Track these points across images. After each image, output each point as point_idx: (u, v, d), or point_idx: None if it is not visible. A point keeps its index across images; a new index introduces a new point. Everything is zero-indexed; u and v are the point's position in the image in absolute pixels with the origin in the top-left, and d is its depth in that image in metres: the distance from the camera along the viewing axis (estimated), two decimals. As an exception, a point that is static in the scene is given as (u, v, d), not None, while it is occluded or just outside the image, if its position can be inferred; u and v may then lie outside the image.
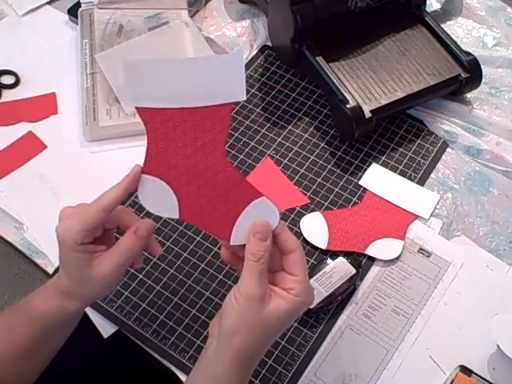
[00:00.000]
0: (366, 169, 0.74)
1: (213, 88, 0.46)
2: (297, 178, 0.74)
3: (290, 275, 0.47)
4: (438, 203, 0.72)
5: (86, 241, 0.48)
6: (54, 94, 0.81)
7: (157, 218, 0.70)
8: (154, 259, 0.67)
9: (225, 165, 0.47)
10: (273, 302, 0.45)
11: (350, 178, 0.74)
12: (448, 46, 0.77)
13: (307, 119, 0.79)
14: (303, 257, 0.48)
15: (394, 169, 0.74)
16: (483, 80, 0.77)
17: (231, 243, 0.49)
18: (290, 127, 0.78)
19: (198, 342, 0.62)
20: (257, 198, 0.47)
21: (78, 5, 0.86)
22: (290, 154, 0.76)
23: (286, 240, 0.47)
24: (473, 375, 0.58)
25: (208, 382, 0.47)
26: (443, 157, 0.76)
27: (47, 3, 0.90)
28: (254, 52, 0.85)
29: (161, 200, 0.48)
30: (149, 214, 0.70)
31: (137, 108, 0.46)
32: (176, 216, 0.49)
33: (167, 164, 0.47)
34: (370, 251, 0.67)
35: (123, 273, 0.51)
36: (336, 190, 0.73)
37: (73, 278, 0.49)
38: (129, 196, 0.71)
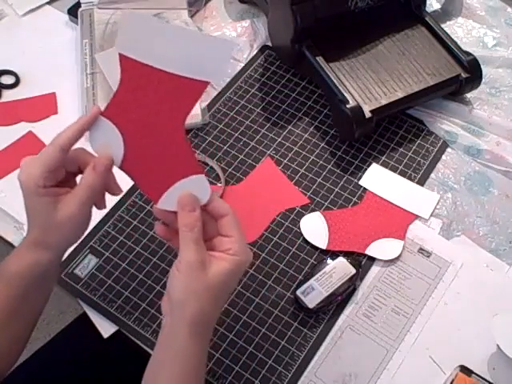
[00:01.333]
0: (366, 169, 0.74)
1: (197, 63, 0.47)
2: (297, 178, 0.74)
3: (225, 237, 0.49)
4: (438, 203, 0.72)
5: (48, 184, 0.48)
6: (54, 94, 0.81)
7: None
8: (154, 259, 0.67)
9: (180, 135, 0.49)
10: (213, 266, 0.47)
11: (350, 178, 0.74)
12: (448, 46, 0.77)
13: (307, 119, 0.79)
14: (236, 219, 0.50)
15: (394, 169, 0.74)
16: (483, 80, 0.77)
17: (158, 206, 0.50)
18: (290, 127, 0.78)
19: (198, 342, 0.62)
20: (197, 173, 0.49)
21: (78, 5, 0.86)
22: (290, 154, 0.76)
23: (217, 207, 0.50)
24: (473, 375, 0.58)
25: (170, 355, 0.48)
26: (443, 157, 0.76)
27: (47, 3, 0.90)
28: (254, 52, 0.85)
29: (109, 145, 0.50)
30: (149, 215, 0.70)
31: (120, 55, 0.48)
32: (117, 164, 0.50)
33: (127, 115, 0.49)
34: (370, 251, 0.67)
35: (89, 213, 0.51)
36: (336, 189, 0.73)
37: (40, 225, 0.50)
38: (129, 196, 0.71)
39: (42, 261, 0.51)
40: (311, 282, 0.63)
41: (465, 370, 0.58)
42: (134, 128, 0.49)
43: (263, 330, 0.63)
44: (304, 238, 0.68)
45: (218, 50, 0.47)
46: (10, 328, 0.51)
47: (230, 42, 0.48)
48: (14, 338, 0.52)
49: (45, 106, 0.80)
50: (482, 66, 0.76)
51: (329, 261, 0.65)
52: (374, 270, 0.67)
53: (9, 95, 0.81)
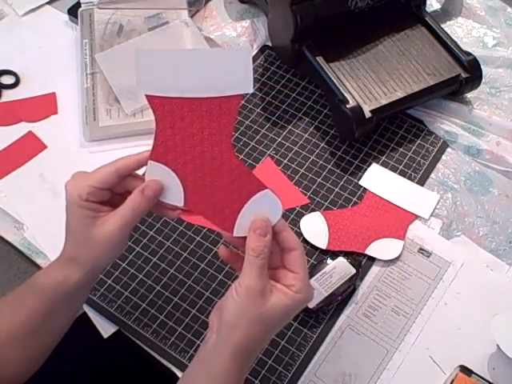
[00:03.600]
0: (366, 169, 0.74)
1: (221, 80, 0.46)
2: (297, 178, 0.74)
3: (290, 272, 0.48)
4: (438, 203, 0.72)
5: (91, 198, 0.48)
6: (54, 94, 0.81)
7: (157, 219, 0.70)
8: (154, 259, 0.67)
9: (230, 156, 0.48)
10: (273, 297, 0.46)
11: (350, 178, 0.74)
12: (448, 46, 0.77)
13: (307, 119, 0.79)
14: (304, 255, 0.48)
15: (394, 169, 0.74)
16: (483, 80, 0.77)
17: (234, 235, 0.49)
18: (290, 127, 0.78)
19: (198, 342, 0.62)
20: (260, 190, 0.48)
21: (78, 5, 0.86)
22: (290, 154, 0.76)
23: (287, 238, 0.48)
24: (473, 375, 0.58)
25: (206, 374, 0.47)
26: (443, 157, 0.76)
27: (47, 3, 0.90)
28: (254, 52, 0.85)
29: (167, 187, 0.49)
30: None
31: (146, 96, 0.47)
32: (181, 203, 0.49)
33: (174, 152, 0.48)
34: (370, 251, 0.67)
35: (126, 236, 0.50)
36: (336, 190, 0.73)
37: (76, 240, 0.49)
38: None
39: (71, 278, 0.49)
40: (311, 281, 0.63)
41: (465, 370, 0.58)
42: (184, 162, 0.48)
43: (263, 329, 0.63)
44: (304, 238, 0.68)
45: (236, 61, 0.46)
46: (31, 343, 0.50)
47: (245, 50, 0.47)
48: (34, 354, 0.52)
49: (45, 106, 0.80)
50: (482, 66, 0.76)
51: (329, 261, 0.65)
52: (374, 269, 0.67)
53: (9, 95, 0.81)
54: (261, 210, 0.48)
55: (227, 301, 0.47)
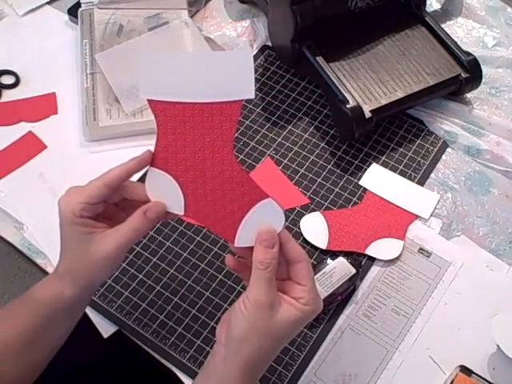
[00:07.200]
0: (366, 169, 0.74)
1: (223, 84, 0.46)
2: (297, 178, 0.74)
3: (298, 285, 0.47)
4: (438, 203, 0.72)
5: (85, 214, 0.47)
6: (54, 94, 0.81)
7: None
8: (154, 259, 0.67)
9: (232, 163, 0.47)
10: (282, 310, 0.45)
11: (349, 178, 0.74)
12: (448, 46, 0.77)
13: (307, 119, 0.79)
14: (310, 266, 0.48)
15: (394, 169, 0.74)
16: (483, 80, 0.77)
17: (236, 245, 0.48)
18: (290, 127, 0.78)
19: (198, 342, 0.62)
20: (263, 199, 0.47)
21: (78, 5, 0.86)
22: (290, 154, 0.76)
23: (292, 250, 0.47)
24: (473, 375, 0.58)
25: None
26: (443, 157, 0.76)
27: (47, 3, 0.90)
28: (254, 52, 0.85)
29: (167, 195, 0.48)
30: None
31: (148, 100, 0.47)
32: (181, 212, 0.49)
33: (175, 158, 0.48)
34: (370, 251, 0.67)
35: (124, 255, 0.49)
36: (336, 190, 0.73)
37: (71, 256, 0.49)
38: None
39: (65, 293, 0.49)
40: (311, 282, 0.63)
41: (465, 370, 0.58)
42: (185, 169, 0.48)
43: (263, 329, 0.63)
44: (304, 238, 0.68)
45: (237, 63, 0.45)
46: (31, 352, 0.50)
47: (245, 51, 0.46)
48: (31, 366, 0.51)
49: (45, 106, 0.80)
50: (482, 66, 0.76)
51: (329, 261, 0.65)
52: (374, 270, 0.67)
53: (9, 95, 0.81)
54: (263, 219, 0.47)
55: (235, 315, 0.46)
